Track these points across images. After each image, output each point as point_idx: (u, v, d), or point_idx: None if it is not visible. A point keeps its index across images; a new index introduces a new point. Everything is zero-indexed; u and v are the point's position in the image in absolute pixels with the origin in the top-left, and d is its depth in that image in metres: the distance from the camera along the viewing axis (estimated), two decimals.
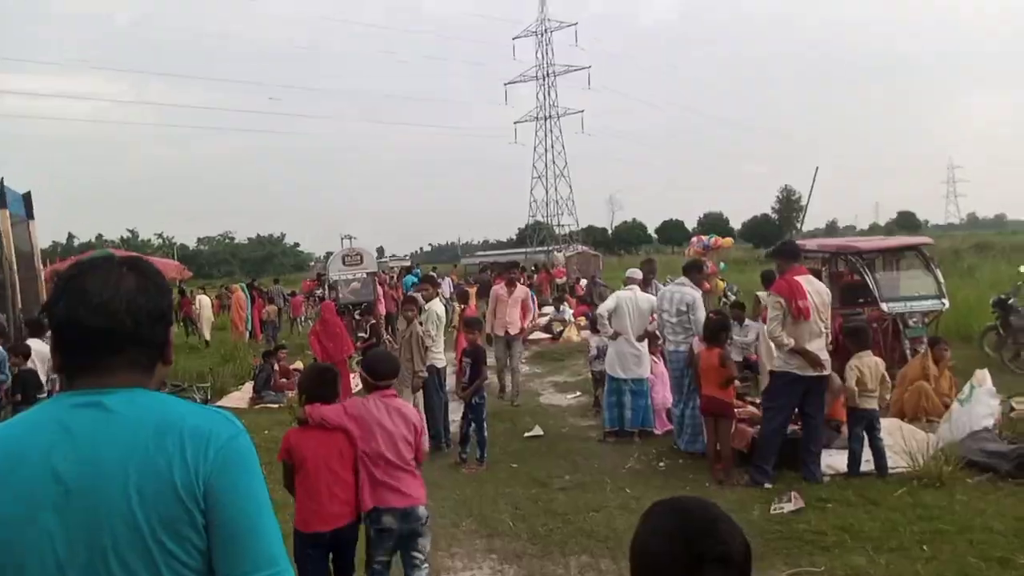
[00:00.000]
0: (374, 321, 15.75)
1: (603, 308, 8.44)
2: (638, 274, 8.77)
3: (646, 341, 8.40)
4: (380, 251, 47.59)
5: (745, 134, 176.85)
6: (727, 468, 6.66)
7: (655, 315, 8.36)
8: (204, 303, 21.07)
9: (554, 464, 7.52)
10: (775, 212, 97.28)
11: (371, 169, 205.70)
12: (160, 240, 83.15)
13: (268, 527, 1.44)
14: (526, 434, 8.77)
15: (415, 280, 21.44)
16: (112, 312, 1.41)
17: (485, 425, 7.69)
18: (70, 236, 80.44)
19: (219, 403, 12.00)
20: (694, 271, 8.00)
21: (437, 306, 8.82)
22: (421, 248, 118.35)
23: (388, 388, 4.14)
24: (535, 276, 27.11)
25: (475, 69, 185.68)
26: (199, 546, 1.38)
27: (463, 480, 7.18)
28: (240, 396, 12.50)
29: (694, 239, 17.70)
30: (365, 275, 19.31)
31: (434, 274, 19.58)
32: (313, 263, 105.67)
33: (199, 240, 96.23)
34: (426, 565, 4.08)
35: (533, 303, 14.16)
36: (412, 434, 4.06)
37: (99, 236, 78.84)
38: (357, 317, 16.58)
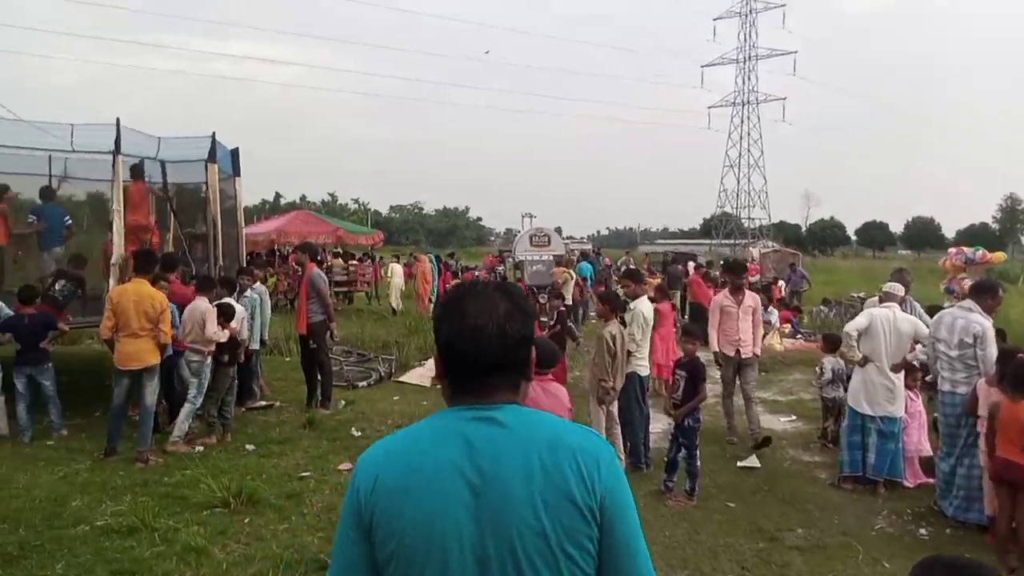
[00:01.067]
0: (562, 308, 14.85)
1: (852, 326, 6.95)
2: (900, 290, 7.16)
3: (902, 373, 6.87)
4: (558, 232, 47.24)
5: (958, 136, 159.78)
6: None
7: (919, 342, 6.80)
8: (396, 271, 21.00)
9: (781, 511, 6.24)
10: (996, 221, 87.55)
11: (553, 146, 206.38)
12: (356, 205, 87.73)
13: (645, 547, 1.56)
14: (739, 463, 7.50)
15: (590, 270, 20.16)
16: (486, 338, 1.56)
17: (697, 453, 6.53)
18: (277, 195, 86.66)
19: (402, 378, 11.67)
20: (986, 294, 6.33)
21: (644, 305, 7.71)
22: (597, 231, 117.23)
23: (546, 375, 4.29)
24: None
25: (671, 50, 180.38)
26: (594, 558, 1.50)
27: (670, 517, 6.08)
28: (422, 372, 12.06)
29: (952, 250, 14.66)
30: (551, 258, 18.57)
31: (641, 269, 17.38)
32: (493, 238, 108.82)
33: (391, 208, 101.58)
34: None
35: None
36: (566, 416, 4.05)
37: (303, 197, 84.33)
38: (542, 300, 15.83)
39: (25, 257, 10.67)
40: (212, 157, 9.99)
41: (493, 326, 1.55)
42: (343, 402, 9.71)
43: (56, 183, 11.77)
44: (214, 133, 10.00)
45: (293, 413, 9.25)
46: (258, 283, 9.73)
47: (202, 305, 7.73)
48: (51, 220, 10.12)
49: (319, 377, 9.40)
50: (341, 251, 24.78)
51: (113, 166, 8.67)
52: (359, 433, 8.32)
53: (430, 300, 19.64)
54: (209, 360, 7.73)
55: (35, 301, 8.13)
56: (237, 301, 8.67)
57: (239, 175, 11.42)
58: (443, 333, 1.58)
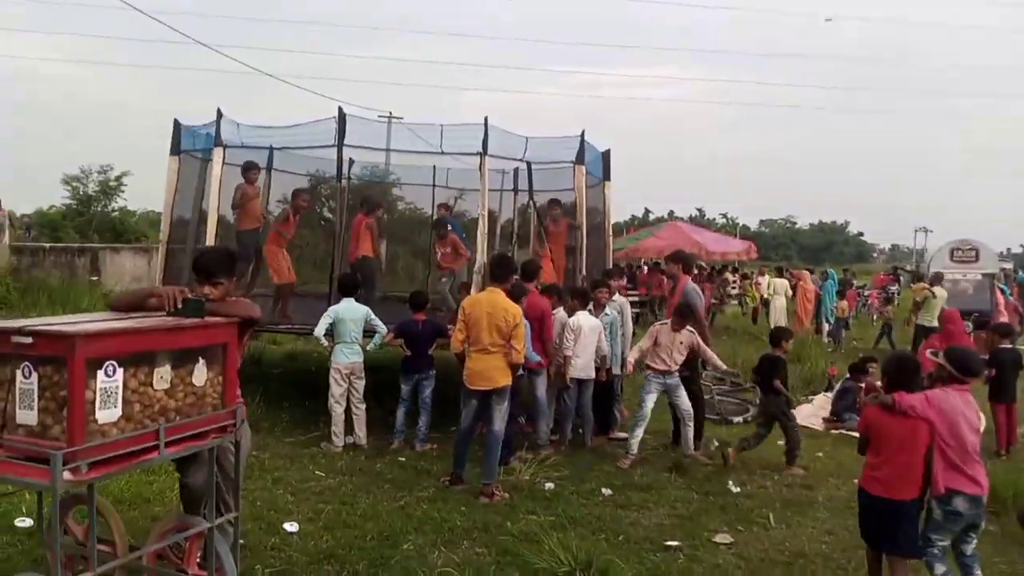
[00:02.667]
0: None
1: None
2: None
3: None
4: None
5: None
6: None
7: None
8: (778, 287, 18.51)
9: None
10: None
11: (954, 157, 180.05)
12: (724, 220, 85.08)
13: None
14: None
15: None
16: None
17: None
18: (646, 211, 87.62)
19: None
20: None
21: None
22: (1008, 249, 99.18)
23: (965, 385, 4.31)
24: None
25: None
26: None
27: None
28: (811, 411, 9.97)
29: None
30: (980, 276, 14.90)
31: None
32: (876, 255, 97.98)
33: (761, 222, 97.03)
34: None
35: None
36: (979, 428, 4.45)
37: (671, 212, 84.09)
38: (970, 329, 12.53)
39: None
40: (580, 158, 9.12)
41: None
42: (715, 442, 8.12)
43: (453, 200, 12.04)
44: (583, 132, 9.14)
45: (657, 450, 7.92)
46: (618, 296, 8.56)
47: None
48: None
49: (690, 409, 7.93)
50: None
51: (480, 168, 8.18)
52: (738, 489, 6.67)
53: (825, 321, 17.09)
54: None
55: (425, 307, 7.90)
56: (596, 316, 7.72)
57: (608, 179, 10.48)
58: None
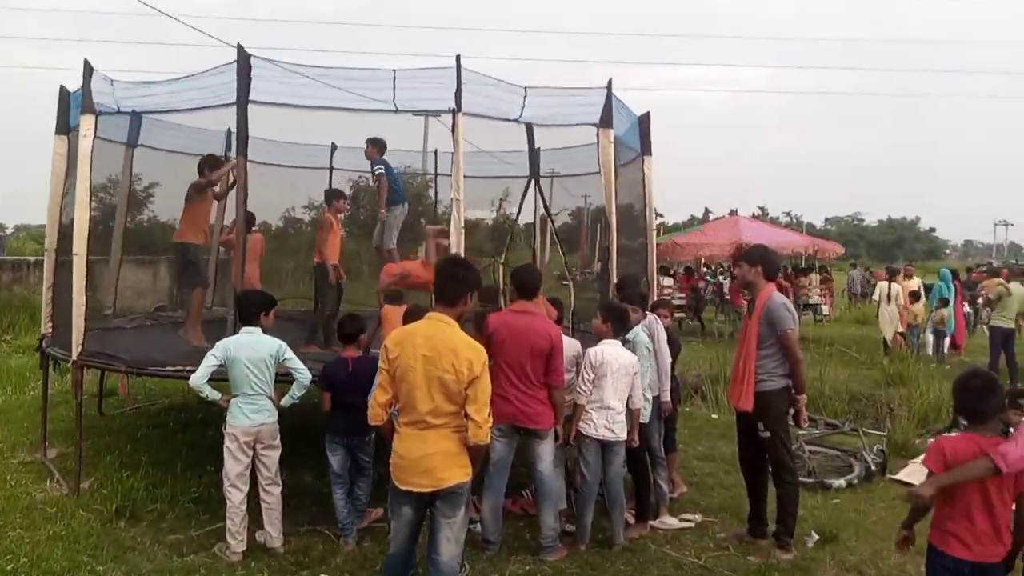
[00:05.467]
0: None
1: None
2: None
3: None
4: None
5: None
6: None
7: None
8: (882, 290, 14.86)
9: None
10: None
11: None
12: (788, 218, 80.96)
13: None
14: None
15: None
16: None
17: None
18: (706, 211, 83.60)
19: (899, 475, 6.89)
20: None
21: None
22: None
23: None
24: None
25: None
26: None
27: None
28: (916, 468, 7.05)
29: None
30: None
31: None
32: (948, 251, 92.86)
33: (826, 220, 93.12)
34: None
35: None
36: None
37: (733, 211, 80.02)
38: None
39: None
40: (606, 119, 6.43)
41: None
42: (814, 536, 5.36)
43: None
44: (610, 82, 6.43)
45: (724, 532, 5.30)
46: (651, 316, 5.77)
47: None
48: None
49: (765, 482, 5.22)
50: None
51: (453, 130, 5.56)
52: None
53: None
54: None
55: (358, 337, 5.38)
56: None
57: (649, 153, 7.75)
58: None
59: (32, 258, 17.11)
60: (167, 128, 8.09)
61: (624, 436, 5.09)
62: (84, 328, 5.91)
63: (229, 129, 8.79)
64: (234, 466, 4.93)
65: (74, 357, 5.85)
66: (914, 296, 14.92)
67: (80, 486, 5.95)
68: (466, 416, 3.52)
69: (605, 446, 5.09)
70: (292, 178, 9.57)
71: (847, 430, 7.90)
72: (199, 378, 4.85)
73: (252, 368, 4.91)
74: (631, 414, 5.14)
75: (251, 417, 4.93)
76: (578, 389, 5.04)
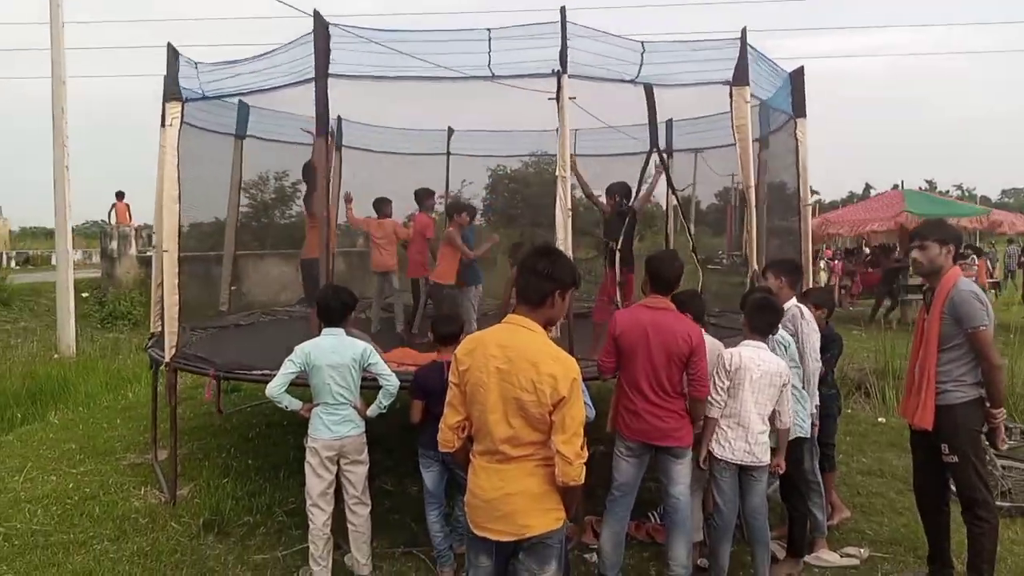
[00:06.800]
0: None
1: None
2: None
3: None
4: None
5: None
6: None
7: None
8: None
9: None
10: None
11: None
12: (959, 191, 73.97)
13: None
14: None
15: None
16: None
17: None
18: (867, 187, 77.78)
19: None
20: None
21: None
22: None
23: None
24: None
25: None
26: None
27: None
28: None
29: None
30: None
31: None
32: None
33: (1002, 192, 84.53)
34: None
35: None
36: None
37: (896, 186, 74.24)
38: None
39: None
40: (740, 75, 5.41)
41: None
42: None
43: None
44: (744, 31, 5.40)
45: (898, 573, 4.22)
46: (794, 307, 4.66)
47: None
48: None
49: (946, 520, 4.10)
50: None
51: (558, 97, 4.77)
52: None
53: None
54: None
55: (456, 339, 4.71)
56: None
57: (804, 116, 6.61)
58: None
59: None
60: (275, 118, 7.80)
61: (767, 459, 4.14)
62: (178, 329, 5.65)
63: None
64: (316, 484, 4.40)
65: (167, 359, 5.59)
66: None
67: (178, 493, 5.70)
68: (555, 448, 2.75)
69: (743, 471, 4.16)
70: (405, 165, 9.09)
71: None
72: (276, 387, 4.35)
73: (335, 375, 4.37)
74: (777, 434, 4.18)
75: (333, 429, 4.38)
76: (710, 400, 4.15)
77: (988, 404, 3.90)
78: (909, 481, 5.90)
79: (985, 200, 71.84)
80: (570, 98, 4.81)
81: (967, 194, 73.03)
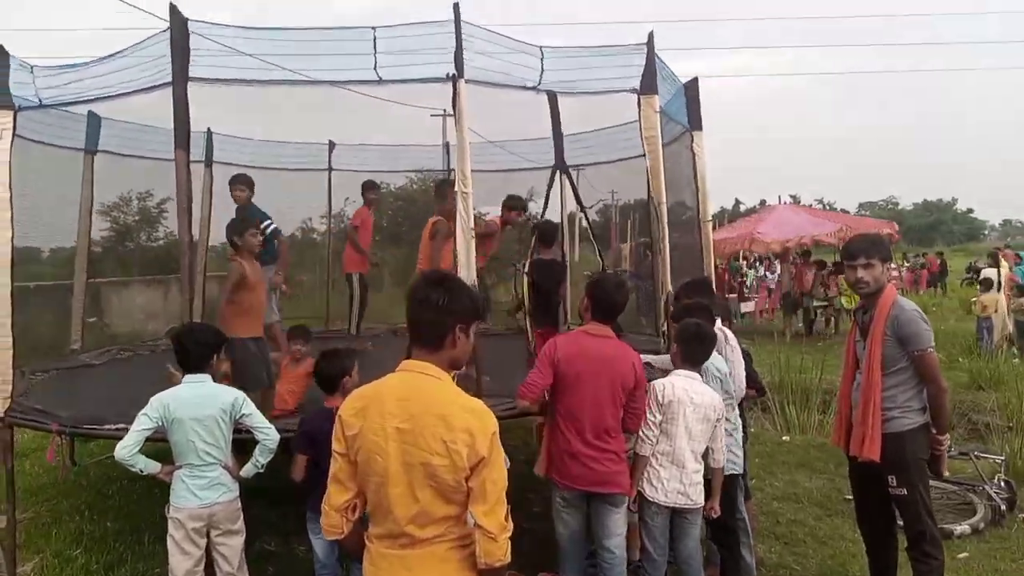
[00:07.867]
0: None
1: None
2: None
3: None
4: None
5: None
6: None
7: None
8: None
9: None
10: None
11: None
12: (820, 205, 78.74)
13: None
14: None
15: None
16: None
17: None
18: (737, 202, 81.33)
19: None
20: None
21: None
22: None
23: None
24: None
25: None
26: None
27: None
28: None
29: None
30: None
31: None
32: (986, 232, 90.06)
33: (860, 205, 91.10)
34: None
35: None
36: None
37: (762, 202, 78.00)
38: None
39: None
40: (648, 84, 5.11)
41: None
42: None
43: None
44: (651, 36, 5.12)
45: None
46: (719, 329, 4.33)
47: None
48: None
49: (895, 555, 3.86)
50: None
51: (453, 100, 4.29)
52: None
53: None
54: None
55: (342, 379, 4.08)
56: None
57: (700, 128, 6.42)
58: None
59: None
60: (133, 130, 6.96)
61: (701, 501, 3.77)
62: (12, 376, 4.77)
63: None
64: (182, 561, 3.70)
65: (0, 414, 4.70)
66: (985, 284, 13.52)
67: (18, 572, 4.79)
68: (474, 522, 2.24)
69: (676, 514, 3.78)
70: (284, 182, 8.38)
71: (955, 454, 6.47)
72: (127, 448, 3.63)
73: (200, 430, 3.69)
74: (713, 474, 3.82)
75: (200, 495, 3.70)
76: (640, 435, 3.75)
77: (934, 430, 3.68)
78: (825, 506, 5.77)
79: (845, 213, 76.83)
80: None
81: (827, 207, 77.89)
